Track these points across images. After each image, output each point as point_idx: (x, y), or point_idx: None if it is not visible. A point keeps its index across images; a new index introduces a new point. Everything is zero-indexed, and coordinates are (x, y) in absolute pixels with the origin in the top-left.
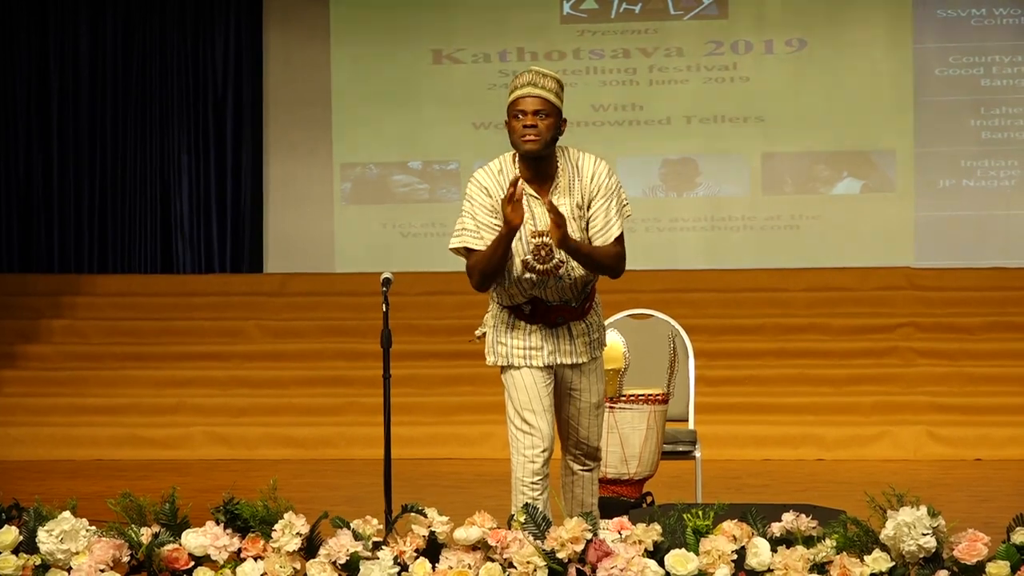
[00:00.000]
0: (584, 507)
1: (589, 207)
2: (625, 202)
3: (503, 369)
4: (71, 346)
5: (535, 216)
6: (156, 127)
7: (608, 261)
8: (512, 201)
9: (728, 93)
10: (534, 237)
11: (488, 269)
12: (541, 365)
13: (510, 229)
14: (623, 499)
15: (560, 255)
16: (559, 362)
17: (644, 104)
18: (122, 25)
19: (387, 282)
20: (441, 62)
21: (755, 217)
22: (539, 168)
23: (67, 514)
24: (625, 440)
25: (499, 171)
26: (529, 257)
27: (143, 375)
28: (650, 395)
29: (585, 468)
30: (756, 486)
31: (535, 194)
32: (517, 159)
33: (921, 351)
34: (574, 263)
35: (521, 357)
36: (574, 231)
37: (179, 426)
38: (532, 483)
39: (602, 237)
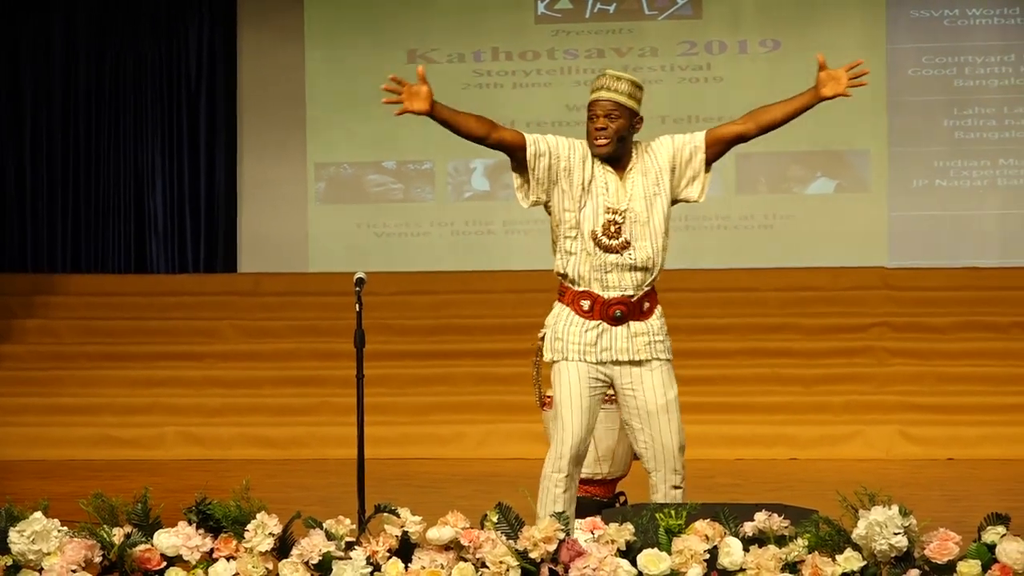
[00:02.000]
0: None
1: (677, 161)
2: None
3: (554, 363)
4: (44, 346)
5: (610, 192)
6: (130, 127)
7: (773, 112)
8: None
9: (702, 93)
10: (607, 212)
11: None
12: (594, 361)
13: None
14: (596, 499)
15: (628, 233)
16: (614, 359)
17: None
18: (96, 25)
19: (360, 282)
20: (415, 62)
21: (729, 217)
22: (617, 158)
23: (39, 514)
24: (598, 440)
25: (581, 147)
26: (598, 230)
27: (116, 375)
28: None
29: (673, 487)
30: (729, 485)
31: (612, 170)
32: None
33: (894, 351)
34: (638, 244)
35: (576, 351)
36: (643, 212)
37: (152, 426)
38: (556, 480)
39: (712, 132)
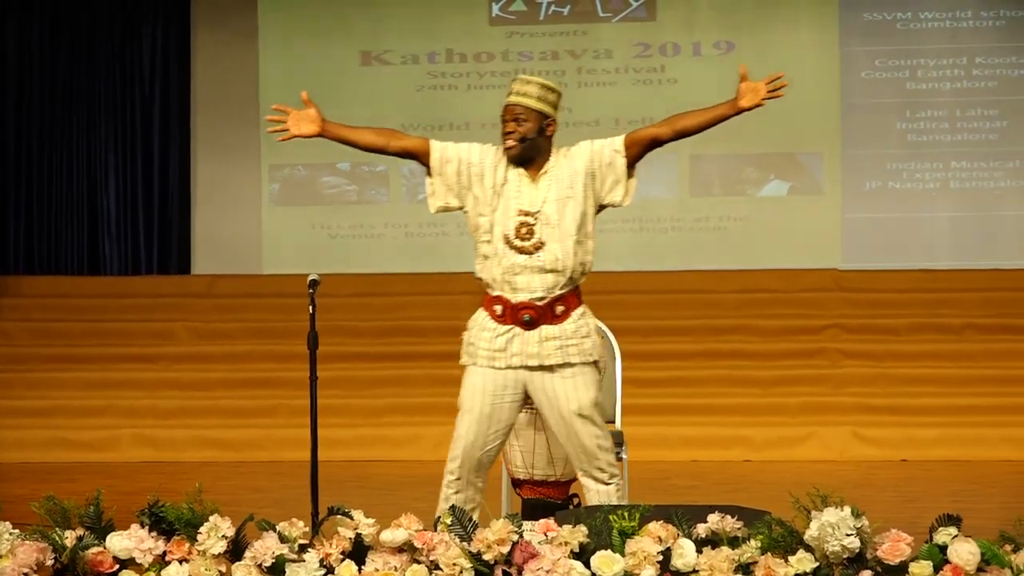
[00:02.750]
0: None
1: (592, 176)
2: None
3: (465, 367)
4: None
5: (523, 193)
6: (83, 126)
7: (688, 120)
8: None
9: (656, 95)
10: (519, 215)
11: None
12: (503, 366)
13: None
14: (549, 500)
15: (541, 235)
16: (524, 364)
17: (573, 106)
18: (49, 23)
19: (314, 284)
20: (370, 63)
21: (683, 219)
22: (534, 160)
23: None
24: (552, 441)
25: (494, 153)
26: (511, 233)
27: (70, 377)
28: None
29: (599, 483)
30: (684, 487)
31: (525, 173)
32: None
33: (848, 352)
34: (552, 246)
35: (484, 357)
36: (554, 214)
37: (106, 428)
38: (448, 480)
39: (633, 135)
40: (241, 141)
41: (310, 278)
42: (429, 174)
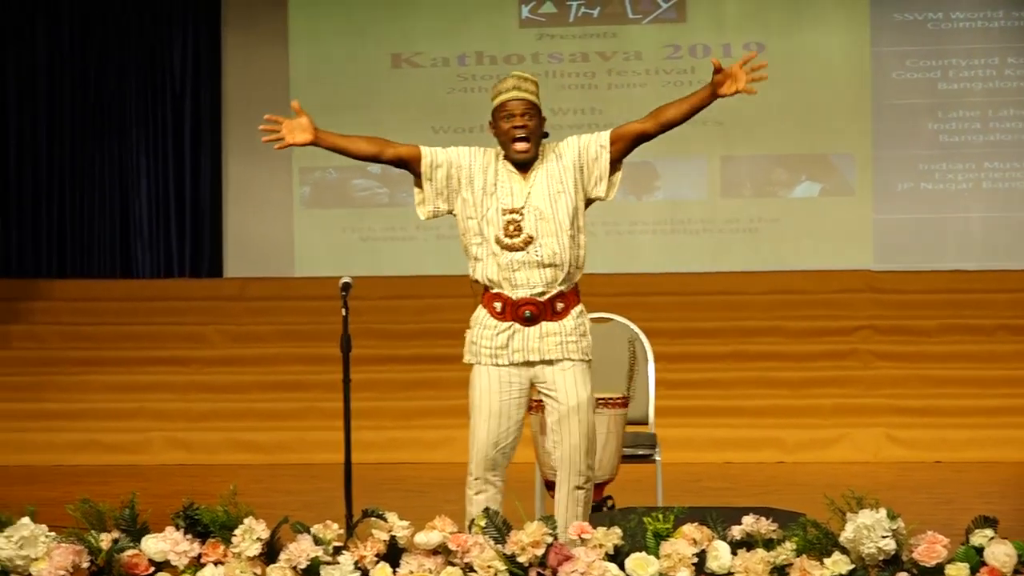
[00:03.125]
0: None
1: (581, 170)
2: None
3: (471, 367)
4: (29, 351)
5: (512, 192)
6: (114, 130)
7: (670, 112)
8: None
9: None
10: (505, 213)
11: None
12: (506, 363)
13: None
14: None
15: (529, 230)
16: (526, 359)
17: (603, 108)
18: (80, 27)
19: (347, 286)
20: (400, 66)
21: (714, 220)
22: (533, 159)
23: (26, 520)
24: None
25: (484, 155)
26: (500, 233)
27: (102, 380)
28: (610, 399)
29: (575, 487)
30: (716, 489)
31: (515, 171)
32: (501, 155)
33: (880, 354)
34: (543, 241)
35: (487, 355)
36: (547, 209)
37: (138, 431)
38: (470, 482)
39: (618, 130)
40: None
41: (342, 281)
42: (418, 181)
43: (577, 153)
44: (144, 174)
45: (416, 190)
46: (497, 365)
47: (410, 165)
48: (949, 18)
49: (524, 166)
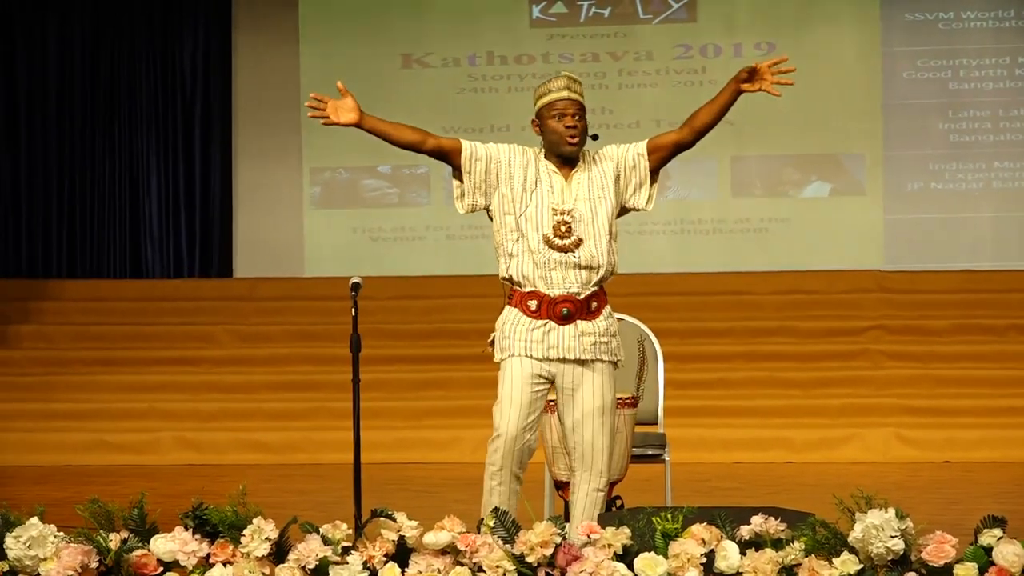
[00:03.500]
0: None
1: (623, 168)
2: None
3: (501, 362)
4: (39, 351)
5: (555, 192)
6: (125, 130)
7: (701, 116)
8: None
9: (697, 96)
10: (555, 214)
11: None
12: (539, 357)
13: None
14: None
15: (579, 232)
16: (560, 356)
17: (613, 108)
18: (90, 27)
19: (356, 286)
20: (411, 66)
21: (724, 220)
22: (573, 159)
23: (35, 520)
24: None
25: (523, 153)
26: (549, 232)
27: (112, 380)
28: (620, 398)
29: (596, 489)
30: (725, 489)
31: (558, 171)
32: (543, 154)
33: (890, 354)
34: (588, 243)
35: (522, 347)
36: (587, 212)
37: (148, 431)
38: (491, 472)
39: (653, 140)
40: (282, 144)
41: (352, 281)
42: (458, 175)
43: (616, 161)
44: (154, 174)
45: (455, 183)
46: (531, 357)
47: (450, 157)
48: (960, 18)
49: (566, 167)
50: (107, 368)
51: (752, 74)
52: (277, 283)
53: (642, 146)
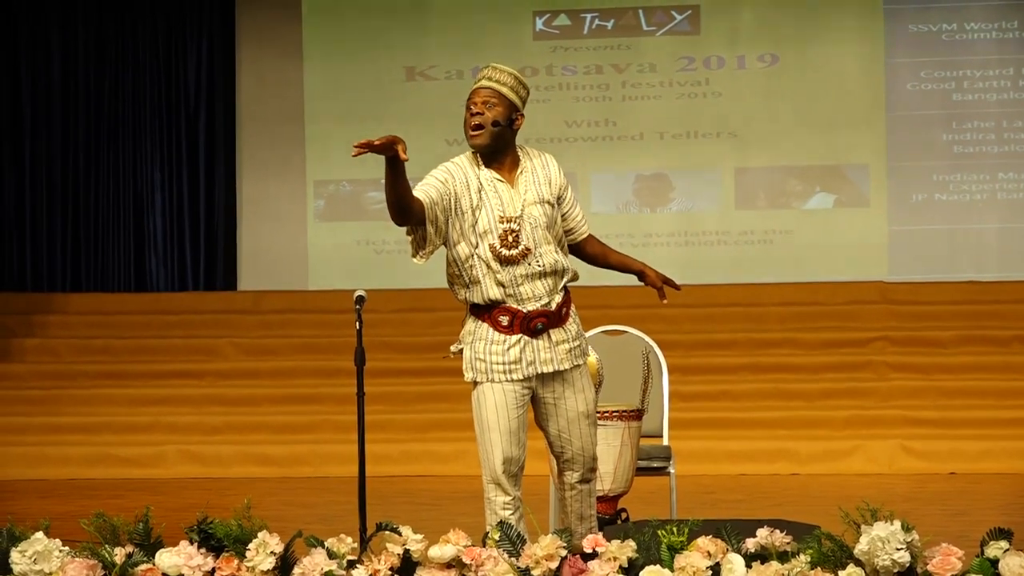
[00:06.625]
0: (584, 520)
1: (560, 201)
2: None
3: (476, 384)
4: (44, 365)
5: (503, 202)
6: (129, 145)
7: (603, 255)
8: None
9: (701, 108)
10: (502, 222)
11: (389, 198)
12: (521, 378)
13: (387, 157)
14: (598, 515)
15: (527, 241)
16: (540, 371)
17: (617, 120)
18: (94, 42)
19: (361, 300)
20: (414, 79)
21: (728, 232)
22: (501, 159)
23: (40, 534)
24: (600, 456)
25: (459, 169)
26: (496, 242)
27: (116, 393)
28: (624, 411)
29: (583, 481)
30: (731, 501)
31: (502, 179)
32: (480, 161)
33: (895, 365)
34: (542, 250)
35: (501, 372)
36: (541, 217)
37: (153, 444)
38: (504, 503)
39: (583, 226)
40: (286, 157)
41: (357, 294)
42: (419, 226)
43: (560, 185)
44: (159, 188)
45: (412, 236)
46: (512, 381)
47: (423, 215)
48: (963, 29)
49: (505, 170)
50: (112, 381)
51: (647, 278)
52: (281, 296)
53: (566, 205)
